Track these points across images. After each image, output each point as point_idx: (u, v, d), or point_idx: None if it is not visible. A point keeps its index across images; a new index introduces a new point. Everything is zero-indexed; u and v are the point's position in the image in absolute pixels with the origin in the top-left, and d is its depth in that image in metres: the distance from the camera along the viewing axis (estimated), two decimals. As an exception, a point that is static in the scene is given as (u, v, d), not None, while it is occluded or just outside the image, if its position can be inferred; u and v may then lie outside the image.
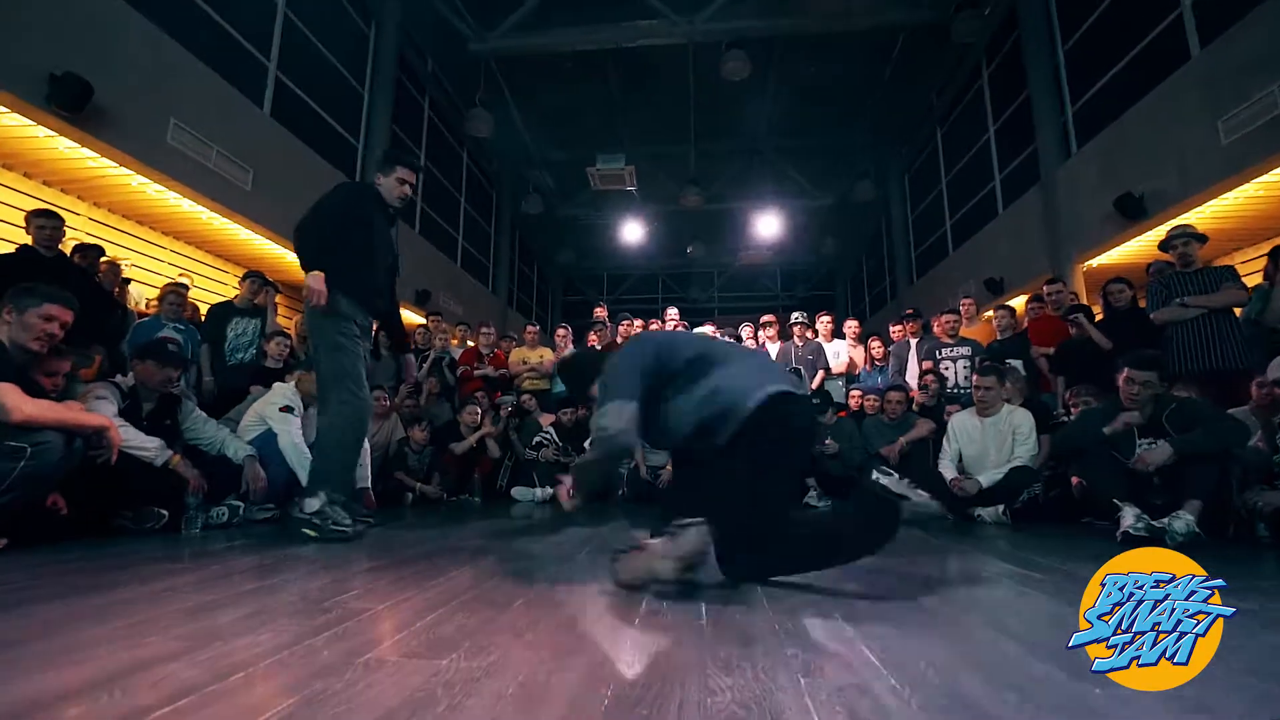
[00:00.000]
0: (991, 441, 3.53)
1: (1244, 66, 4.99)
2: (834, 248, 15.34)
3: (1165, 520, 2.52)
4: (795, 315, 5.76)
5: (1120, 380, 2.93)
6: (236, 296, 4.53)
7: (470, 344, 6.33)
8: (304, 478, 2.99)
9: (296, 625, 1.22)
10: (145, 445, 2.51)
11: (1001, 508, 3.28)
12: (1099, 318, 4.40)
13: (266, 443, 3.01)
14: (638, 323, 5.92)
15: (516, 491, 4.61)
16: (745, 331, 6.38)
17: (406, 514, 3.59)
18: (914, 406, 4.60)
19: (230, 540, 2.45)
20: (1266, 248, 5.61)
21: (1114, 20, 6.87)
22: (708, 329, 6.15)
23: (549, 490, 4.55)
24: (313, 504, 2.42)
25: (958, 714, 0.85)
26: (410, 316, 9.74)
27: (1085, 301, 5.94)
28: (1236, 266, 6.28)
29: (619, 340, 5.70)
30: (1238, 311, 3.69)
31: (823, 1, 8.40)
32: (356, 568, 1.89)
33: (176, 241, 6.69)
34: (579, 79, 10.24)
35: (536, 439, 4.86)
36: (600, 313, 6.67)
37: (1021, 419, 3.52)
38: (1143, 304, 4.29)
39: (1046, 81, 7.79)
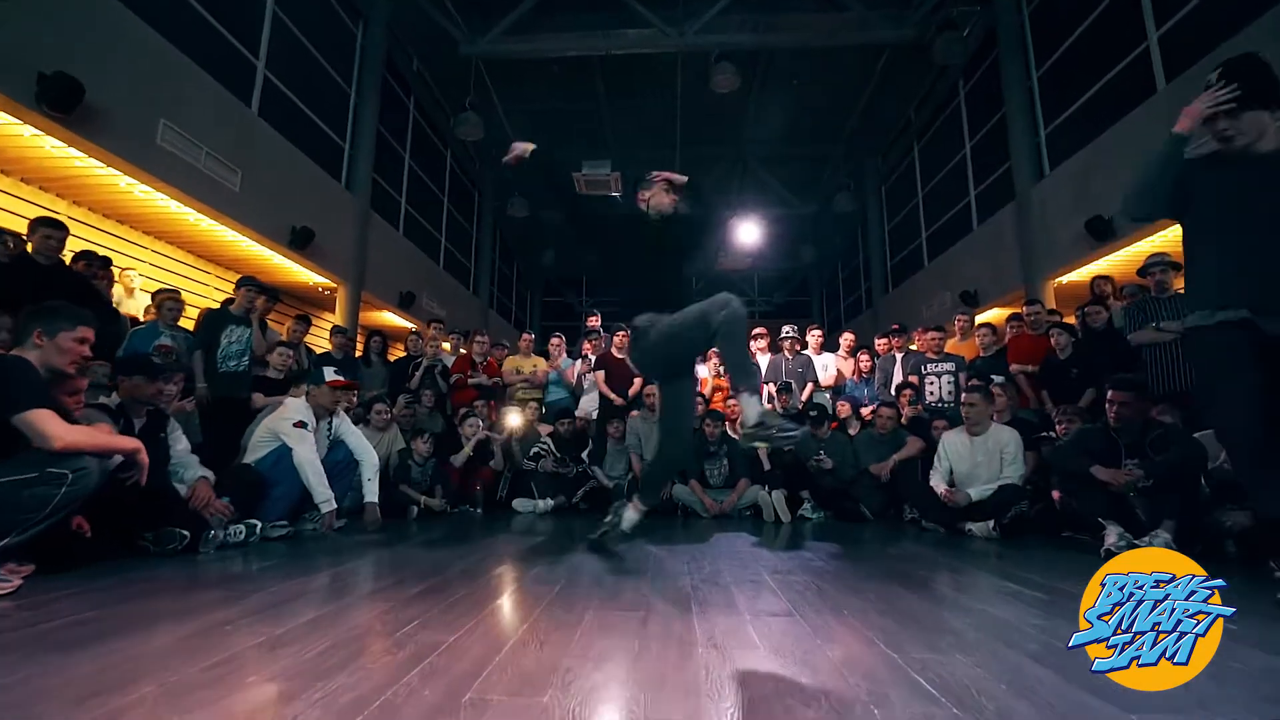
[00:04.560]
0: (981, 459, 3.72)
1: (1206, 103, 5.30)
2: (811, 256, 15.69)
3: (1145, 539, 2.72)
4: (786, 329, 5.91)
5: (1106, 402, 3.14)
6: (232, 303, 4.44)
7: (463, 351, 6.33)
8: (318, 494, 3.01)
9: (452, 620, 1.31)
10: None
11: (991, 523, 3.47)
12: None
13: (281, 458, 2.99)
14: (632, 333, 5.96)
15: (518, 503, 4.65)
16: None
17: (414, 528, 3.60)
18: (902, 420, 4.78)
19: (259, 560, 2.46)
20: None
21: (1086, 49, 7.21)
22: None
23: (549, 502, 4.61)
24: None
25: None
26: (396, 321, 9.68)
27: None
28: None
29: (614, 350, 5.76)
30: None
31: (811, 19, 8.62)
32: (413, 588, 1.93)
33: (158, 241, 6.53)
34: (567, 83, 10.28)
35: (535, 449, 4.91)
36: (594, 322, 6.72)
37: (1009, 438, 3.71)
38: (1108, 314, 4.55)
39: (1021, 103, 8.13)
